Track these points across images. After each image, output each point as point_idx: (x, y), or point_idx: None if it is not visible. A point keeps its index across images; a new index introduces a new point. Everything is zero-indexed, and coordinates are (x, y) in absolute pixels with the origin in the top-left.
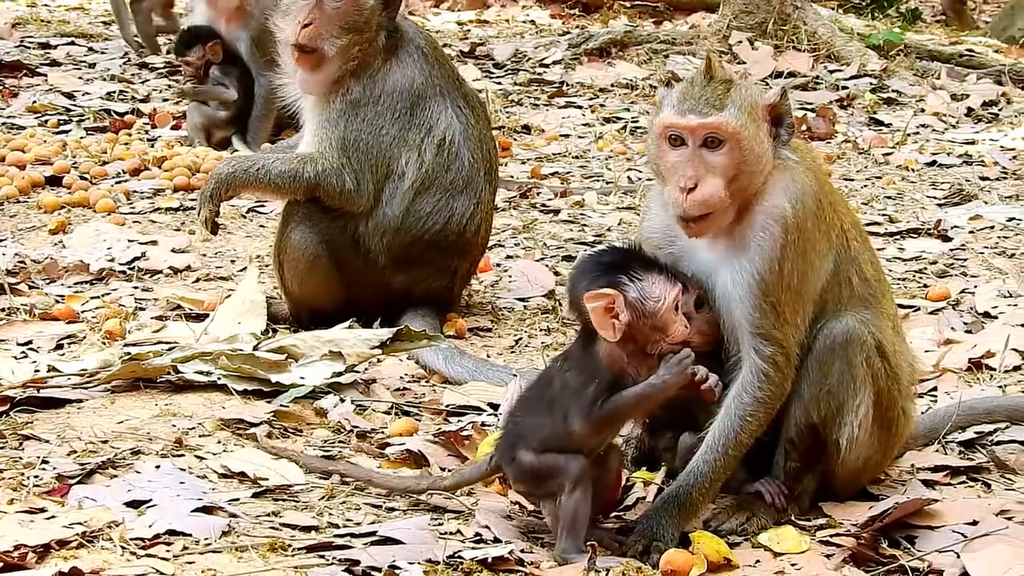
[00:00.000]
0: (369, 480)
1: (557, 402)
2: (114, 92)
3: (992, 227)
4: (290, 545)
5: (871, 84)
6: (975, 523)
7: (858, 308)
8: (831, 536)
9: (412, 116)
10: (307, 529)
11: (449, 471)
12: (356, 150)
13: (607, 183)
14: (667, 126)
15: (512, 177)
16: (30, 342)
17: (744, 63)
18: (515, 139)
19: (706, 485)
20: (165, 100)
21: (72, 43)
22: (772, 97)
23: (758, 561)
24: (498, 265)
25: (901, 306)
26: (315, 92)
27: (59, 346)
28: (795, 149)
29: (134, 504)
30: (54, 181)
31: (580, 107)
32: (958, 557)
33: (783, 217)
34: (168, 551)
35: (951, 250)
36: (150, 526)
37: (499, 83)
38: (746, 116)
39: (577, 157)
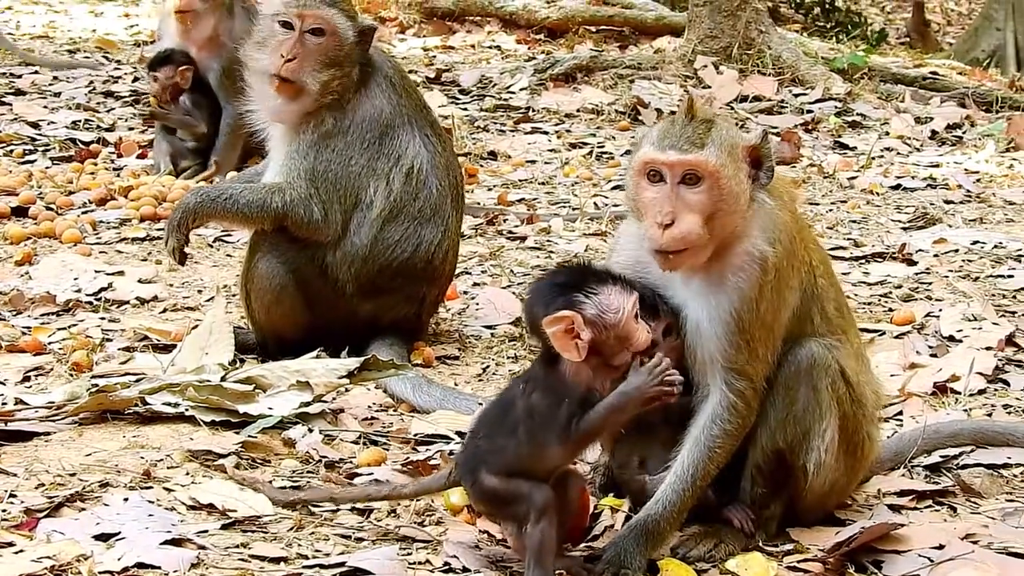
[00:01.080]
0: (331, 498)
1: (523, 425)
2: (79, 121)
3: (956, 250)
4: None
5: (836, 108)
6: (941, 547)
7: (823, 337)
8: (798, 561)
9: (381, 146)
10: (276, 560)
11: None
12: (324, 181)
13: (573, 209)
14: (647, 162)
15: (479, 204)
16: None
17: (709, 87)
18: (481, 165)
19: (674, 514)
20: (131, 129)
21: (36, 72)
22: (753, 139)
23: None
24: (465, 293)
25: (867, 330)
26: (287, 121)
27: (26, 378)
28: (771, 186)
29: (103, 537)
30: (20, 212)
31: (546, 133)
32: None
33: (763, 258)
34: None
35: (916, 274)
36: (119, 559)
37: (465, 109)
38: (726, 156)
39: (543, 183)
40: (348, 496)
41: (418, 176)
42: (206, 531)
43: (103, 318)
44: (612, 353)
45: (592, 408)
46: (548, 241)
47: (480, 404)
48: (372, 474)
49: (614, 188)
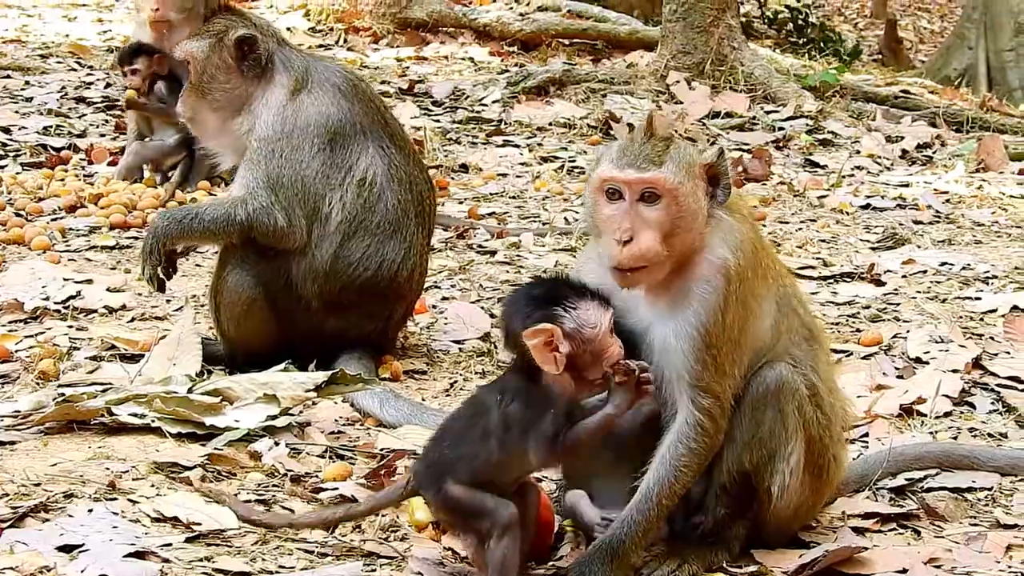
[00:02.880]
0: (290, 524)
1: (496, 434)
2: (51, 127)
3: (925, 271)
4: None
5: (807, 125)
6: (904, 571)
7: (795, 351)
8: None
9: (332, 153)
10: (239, 575)
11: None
12: (281, 187)
13: (544, 224)
14: (605, 179)
15: (448, 216)
16: None
17: (681, 103)
18: (452, 178)
19: (639, 534)
20: (102, 136)
21: (8, 76)
22: (710, 157)
23: None
24: (434, 307)
25: (834, 351)
26: (227, 148)
27: None
28: (730, 203)
29: (66, 548)
30: None
31: (518, 146)
32: None
33: (725, 267)
34: None
35: (884, 294)
36: (82, 571)
37: (437, 121)
38: (683, 173)
39: (514, 197)
40: (306, 522)
41: (371, 188)
42: (170, 544)
43: (71, 326)
44: (586, 366)
45: (580, 423)
46: (518, 256)
47: None
48: (337, 488)
49: (584, 217)
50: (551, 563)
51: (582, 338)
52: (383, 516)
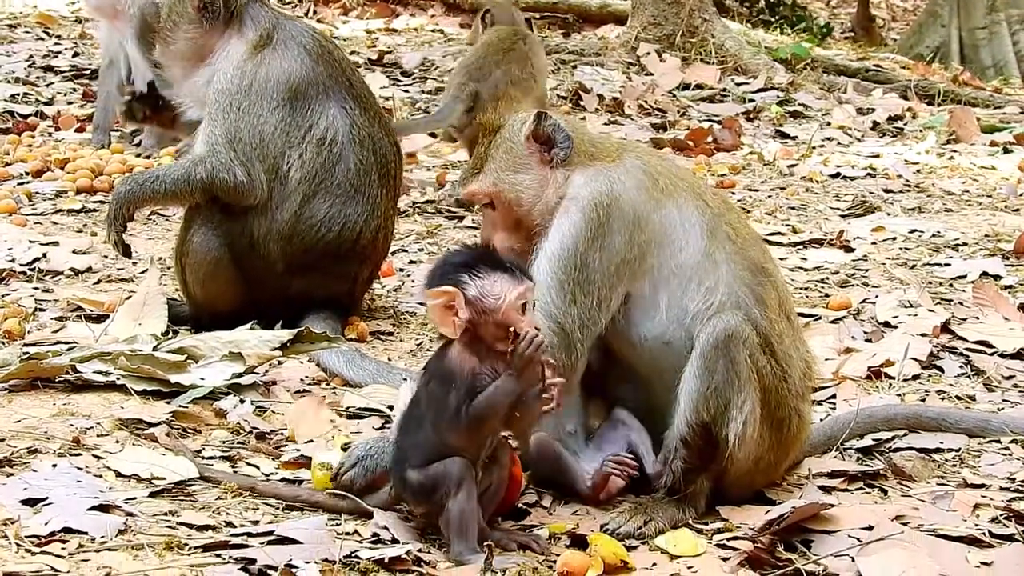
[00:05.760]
0: (276, 494)
1: (427, 415)
2: (18, 94)
3: (894, 238)
4: (186, 544)
5: (778, 97)
6: (871, 528)
7: (741, 287)
8: (727, 539)
9: (292, 111)
10: (204, 528)
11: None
12: (240, 142)
13: None
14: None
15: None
16: None
17: (652, 75)
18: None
19: None
20: (70, 103)
21: None
22: (528, 128)
23: (655, 564)
24: (401, 270)
25: (803, 315)
26: (190, 98)
27: None
28: (592, 152)
29: (30, 502)
30: None
31: None
32: (853, 561)
33: (579, 203)
34: (63, 549)
35: (853, 260)
36: (46, 524)
37: (407, 91)
38: (500, 168)
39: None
40: (274, 492)
41: (331, 147)
42: (134, 498)
43: (36, 288)
44: (494, 339)
45: (477, 397)
46: None
47: (405, 379)
48: (299, 451)
49: None
50: (522, 525)
51: (483, 307)
52: None
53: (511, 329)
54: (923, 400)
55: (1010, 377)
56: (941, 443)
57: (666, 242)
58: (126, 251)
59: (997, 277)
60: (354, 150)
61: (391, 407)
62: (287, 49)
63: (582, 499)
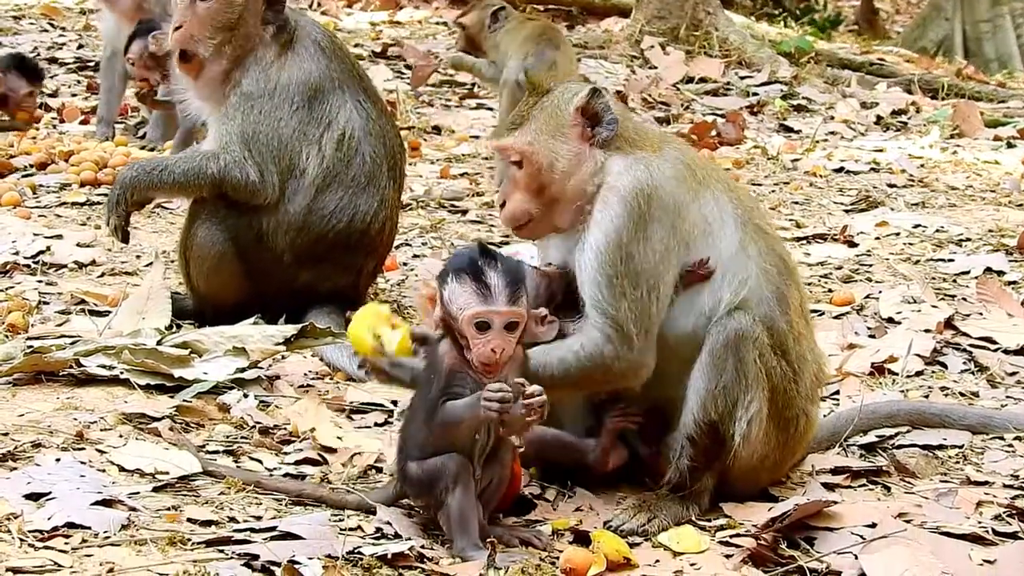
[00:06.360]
0: (281, 489)
1: (418, 404)
2: None
3: (898, 233)
4: (189, 539)
5: (781, 91)
6: (874, 525)
7: (767, 284)
8: (731, 536)
9: (311, 110)
10: (206, 523)
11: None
12: (256, 142)
13: None
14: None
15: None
16: None
17: (656, 68)
18: (425, 140)
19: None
20: (74, 95)
21: None
22: (581, 99)
23: (657, 561)
24: (405, 264)
25: None
26: (206, 99)
27: None
28: (634, 139)
29: (33, 496)
30: None
31: (491, 108)
32: (856, 558)
33: (619, 193)
34: (67, 543)
35: (857, 256)
36: (49, 518)
37: (410, 83)
38: (537, 132)
39: (487, 158)
40: (278, 487)
41: (350, 142)
42: (137, 493)
43: (40, 281)
44: (463, 344)
45: (453, 400)
46: (489, 215)
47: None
48: (302, 451)
49: None
50: (526, 519)
51: (447, 312)
52: (352, 467)
53: (471, 344)
54: (926, 396)
55: (1013, 373)
56: (944, 439)
57: (707, 231)
58: (125, 238)
59: (1001, 273)
60: (370, 143)
61: (394, 402)
62: (305, 49)
63: (591, 472)
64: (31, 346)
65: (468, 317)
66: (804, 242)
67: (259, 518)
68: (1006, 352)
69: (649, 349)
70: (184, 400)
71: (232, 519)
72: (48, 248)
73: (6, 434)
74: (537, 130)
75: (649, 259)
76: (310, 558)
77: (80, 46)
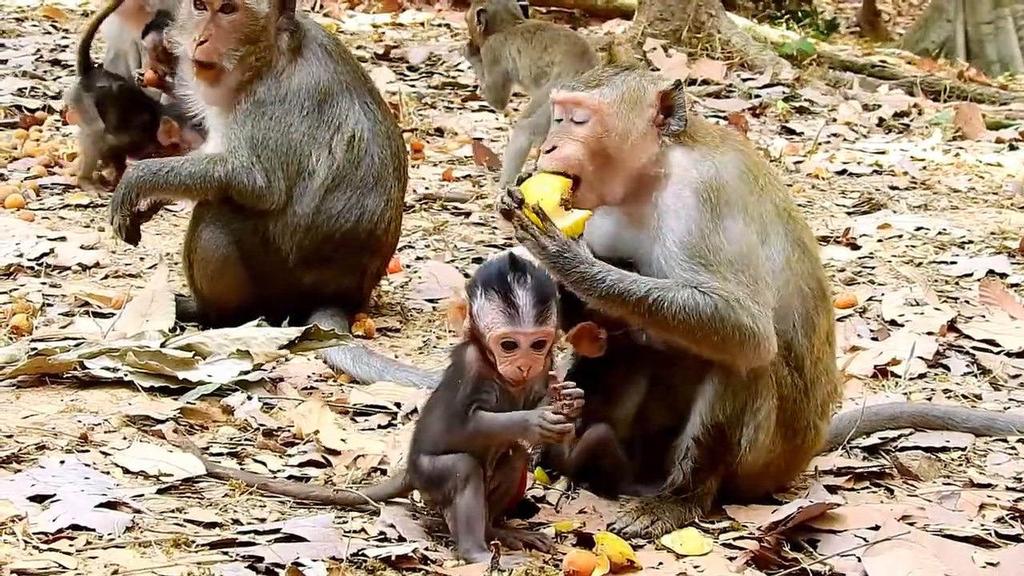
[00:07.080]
0: (285, 491)
1: (440, 403)
2: (25, 88)
3: (900, 236)
4: (194, 541)
5: (784, 93)
6: (877, 528)
7: (799, 304)
8: (734, 539)
9: (320, 113)
10: (211, 525)
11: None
12: (265, 148)
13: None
14: (552, 101)
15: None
16: None
17: (658, 70)
18: (428, 142)
19: None
20: None
21: None
22: (665, 86)
23: (661, 563)
24: (408, 266)
25: None
26: (218, 103)
27: None
28: (698, 136)
29: (38, 498)
30: None
31: (493, 111)
32: (859, 561)
33: (691, 185)
34: (71, 545)
35: (859, 258)
36: (53, 520)
37: (413, 86)
38: (618, 98)
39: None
40: (285, 491)
41: (359, 144)
42: (141, 495)
43: (44, 283)
44: (492, 358)
45: (491, 414)
46: (492, 217)
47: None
48: (306, 453)
49: None
50: (530, 521)
51: (476, 326)
52: (356, 469)
53: (498, 361)
54: (929, 399)
55: (1016, 376)
56: (947, 442)
57: (763, 234)
58: (130, 237)
59: (1003, 275)
60: (378, 144)
61: (398, 404)
62: (312, 53)
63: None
64: (35, 348)
65: (495, 337)
66: None
67: (263, 520)
68: (1009, 355)
69: (768, 321)
70: (188, 402)
71: (236, 521)
72: (52, 250)
73: (10, 436)
74: (618, 95)
75: (736, 248)
76: (314, 560)
77: None
